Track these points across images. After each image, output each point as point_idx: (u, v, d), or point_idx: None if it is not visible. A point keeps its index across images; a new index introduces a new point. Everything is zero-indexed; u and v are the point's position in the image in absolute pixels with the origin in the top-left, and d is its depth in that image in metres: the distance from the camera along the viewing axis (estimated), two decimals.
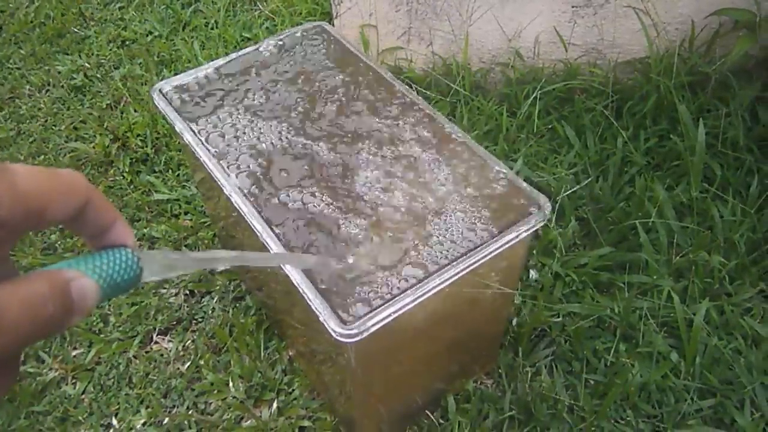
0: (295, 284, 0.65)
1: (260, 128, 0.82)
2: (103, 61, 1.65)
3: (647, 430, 0.90)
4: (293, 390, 0.97)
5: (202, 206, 1.25)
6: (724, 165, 1.16)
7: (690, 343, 0.93)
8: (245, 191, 0.75)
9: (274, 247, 0.69)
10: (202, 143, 0.81)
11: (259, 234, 0.71)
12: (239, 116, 0.84)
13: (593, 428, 0.89)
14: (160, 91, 0.89)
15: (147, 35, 1.71)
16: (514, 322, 1.00)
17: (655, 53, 1.27)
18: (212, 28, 1.69)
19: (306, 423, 0.93)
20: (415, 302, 0.64)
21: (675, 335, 0.97)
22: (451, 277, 0.66)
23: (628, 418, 0.90)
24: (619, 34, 1.30)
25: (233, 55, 0.94)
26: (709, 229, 1.06)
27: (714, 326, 0.97)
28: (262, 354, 1.01)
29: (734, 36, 1.25)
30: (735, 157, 1.16)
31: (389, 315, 0.63)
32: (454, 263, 0.66)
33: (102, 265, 0.27)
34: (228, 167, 0.78)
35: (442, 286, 0.65)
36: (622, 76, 1.34)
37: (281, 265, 0.66)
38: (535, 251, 1.08)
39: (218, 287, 1.12)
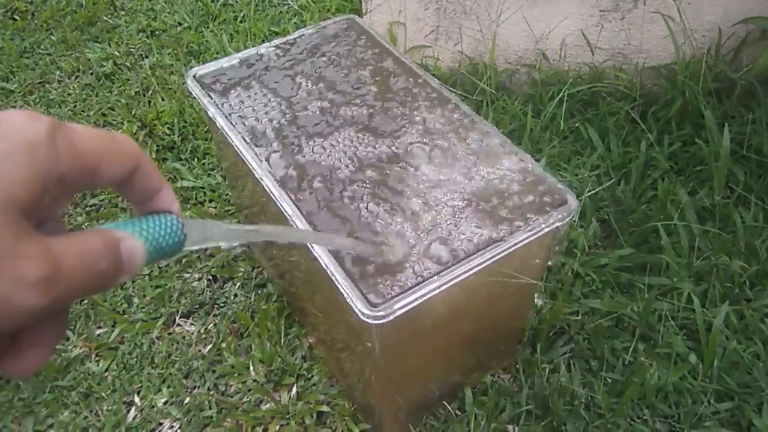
0: (324, 266, 0.66)
1: (294, 115, 0.84)
2: (132, 49, 1.68)
3: (664, 430, 0.90)
4: (312, 376, 0.99)
5: (227, 194, 1.27)
6: (747, 171, 1.16)
7: (709, 345, 0.94)
8: (276, 176, 0.76)
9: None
10: (235, 128, 0.82)
11: (288, 217, 0.72)
12: (273, 103, 0.85)
13: (610, 425, 0.89)
14: (194, 76, 0.90)
15: (176, 26, 1.74)
16: (533, 318, 1.00)
17: (681, 59, 1.27)
18: (241, 22, 1.71)
19: (324, 408, 0.94)
20: (442, 288, 0.65)
21: (694, 337, 0.98)
22: (477, 266, 0.67)
23: (644, 417, 0.91)
24: (646, 39, 1.30)
25: (266, 44, 0.95)
26: (730, 233, 1.07)
27: (733, 330, 0.97)
28: (283, 340, 1.03)
29: (761, 44, 1.25)
30: (759, 163, 1.16)
31: (416, 299, 0.64)
32: (481, 252, 0.68)
33: (149, 228, 0.28)
34: (259, 152, 0.79)
35: (468, 274, 0.66)
36: (648, 81, 1.34)
37: (314, 246, 0.67)
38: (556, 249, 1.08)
39: (241, 274, 1.13)
